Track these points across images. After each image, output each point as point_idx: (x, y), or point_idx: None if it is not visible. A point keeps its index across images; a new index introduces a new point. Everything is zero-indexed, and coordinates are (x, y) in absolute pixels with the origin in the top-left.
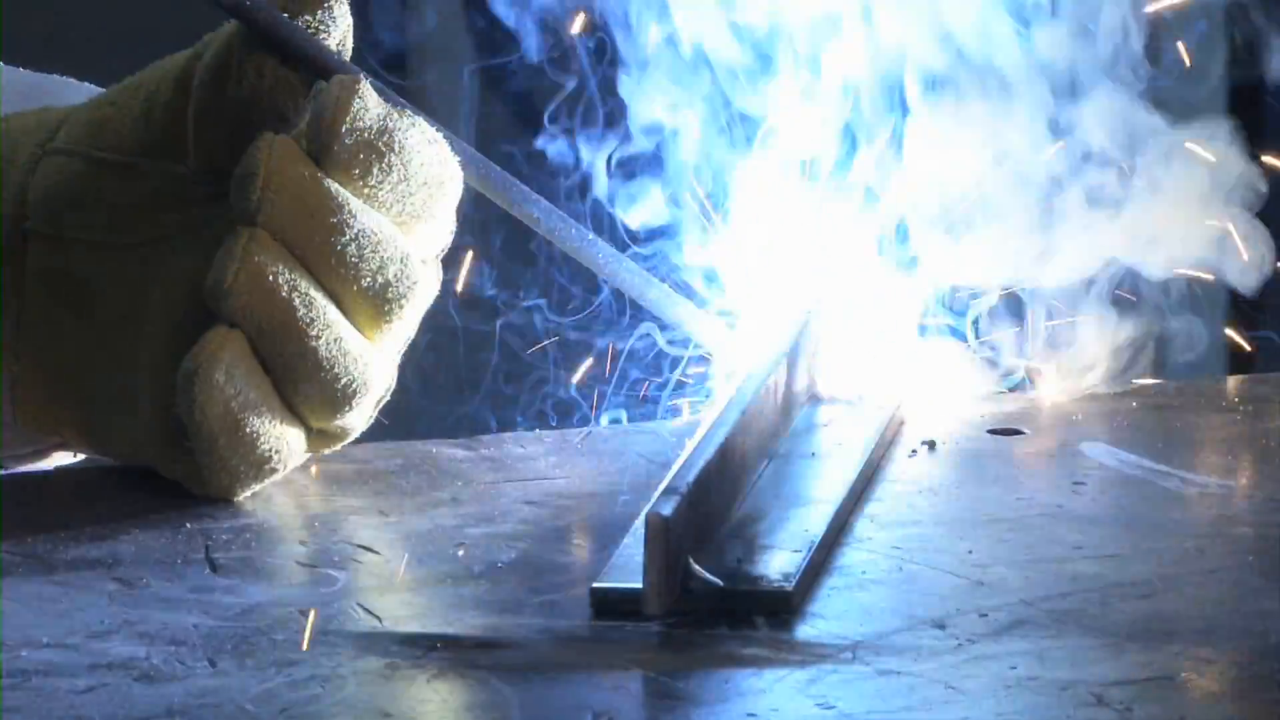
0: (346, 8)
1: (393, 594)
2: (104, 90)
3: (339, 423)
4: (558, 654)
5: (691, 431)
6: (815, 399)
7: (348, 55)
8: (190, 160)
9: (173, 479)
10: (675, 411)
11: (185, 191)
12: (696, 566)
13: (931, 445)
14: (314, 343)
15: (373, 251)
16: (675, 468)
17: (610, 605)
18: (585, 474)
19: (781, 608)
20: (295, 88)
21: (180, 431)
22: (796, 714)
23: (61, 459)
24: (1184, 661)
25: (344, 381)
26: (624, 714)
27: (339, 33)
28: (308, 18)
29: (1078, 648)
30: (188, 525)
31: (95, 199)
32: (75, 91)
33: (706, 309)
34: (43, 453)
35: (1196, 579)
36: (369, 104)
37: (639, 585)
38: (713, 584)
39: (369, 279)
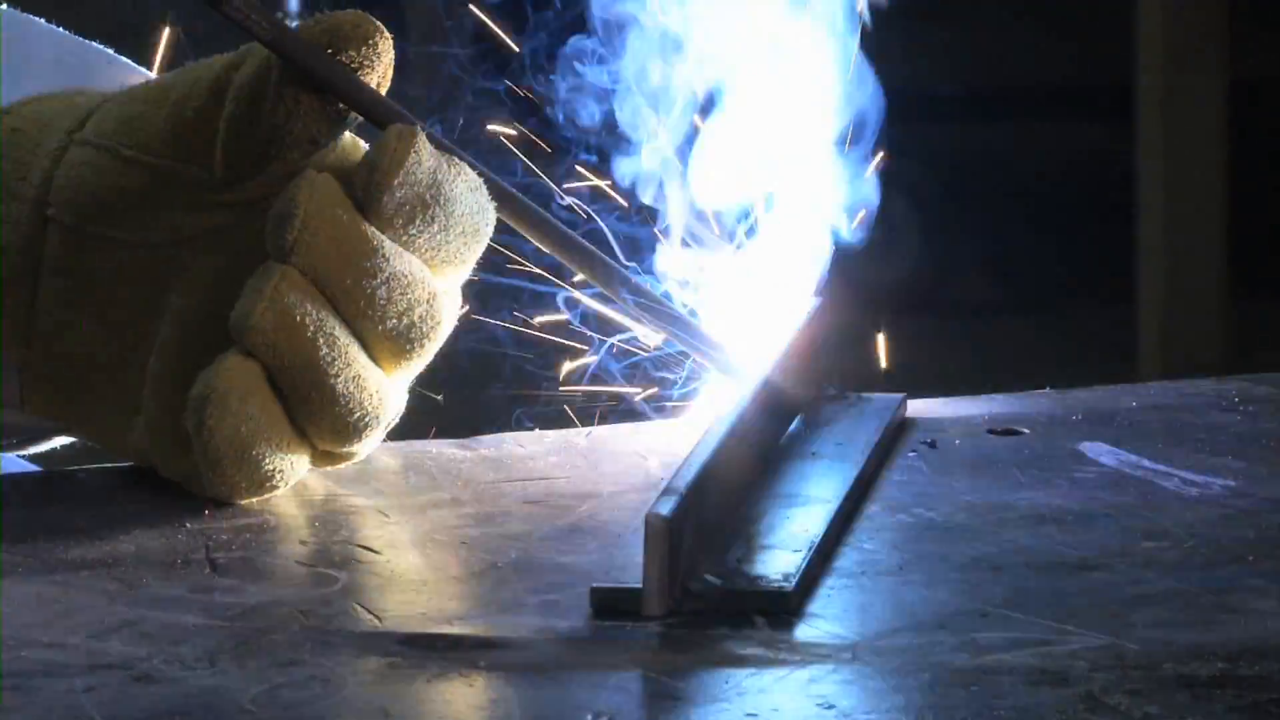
0: (390, 43)
1: (393, 594)
2: (137, 82)
3: (346, 449)
4: (558, 654)
5: (692, 431)
6: (816, 399)
7: (385, 88)
8: (217, 169)
9: (173, 479)
10: (677, 411)
11: (208, 197)
12: (700, 572)
13: (932, 445)
14: (333, 380)
15: (401, 294)
16: (675, 468)
17: (610, 605)
18: (585, 474)
19: (781, 608)
20: (329, 116)
21: (185, 439)
22: (796, 714)
23: (64, 441)
24: (1184, 661)
25: (357, 415)
26: (624, 714)
27: (381, 67)
28: (351, 53)
29: (1078, 647)
30: (188, 525)
31: (118, 196)
32: (111, 66)
33: (731, 348)
34: (46, 436)
35: (1196, 579)
36: (423, 157)
37: (639, 585)
38: (713, 584)
39: (394, 320)
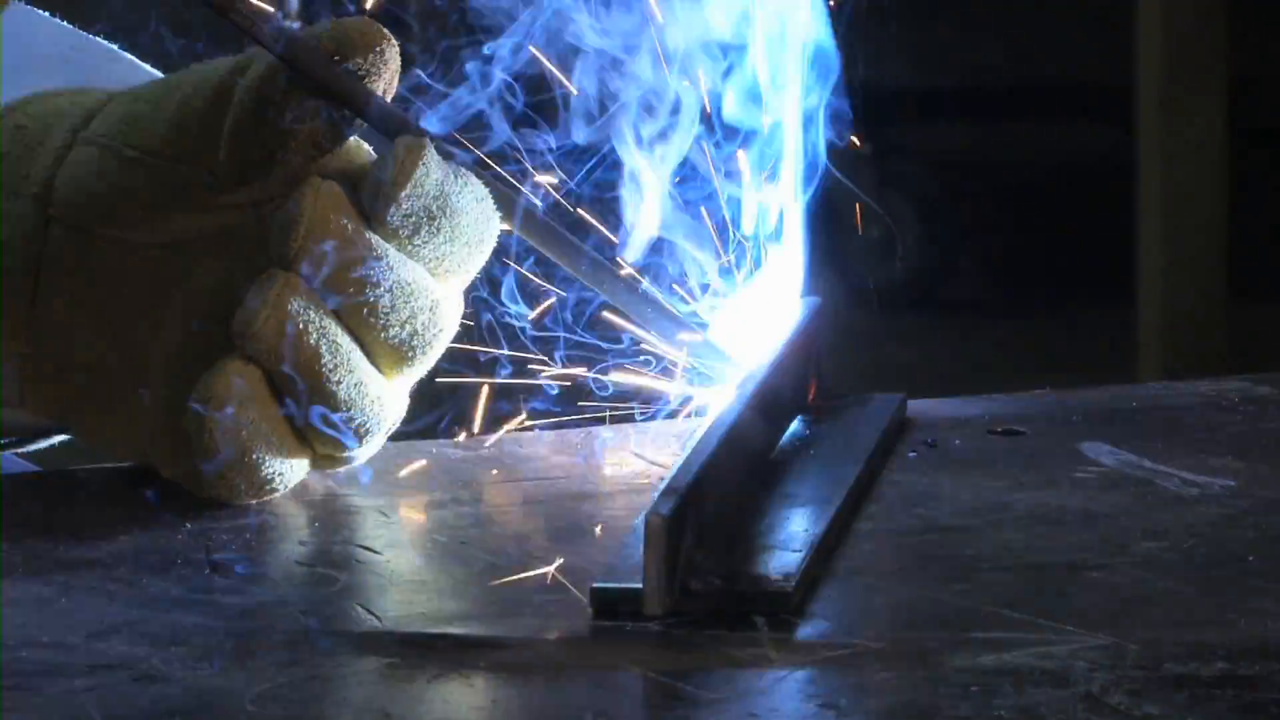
0: (397, 50)
1: (393, 594)
2: (143, 81)
3: (346, 454)
4: (558, 654)
5: (692, 431)
6: (816, 399)
7: (391, 95)
8: (220, 171)
9: (172, 480)
10: (675, 412)
11: (211, 199)
12: (697, 570)
13: (932, 445)
14: (334, 387)
15: (404, 302)
16: (675, 468)
17: (610, 605)
18: (585, 474)
19: (781, 608)
20: (334, 121)
21: (185, 440)
22: (796, 714)
23: (64, 440)
24: (1184, 661)
25: (358, 422)
26: (624, 714)
27: (388, 74)
28: (358, 60)
29: (1079, 647)
30: (188, 525)
31: (120, 196)
32: (116, 64)
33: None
34: (46, 436)
35: (1196, 579)
36: (432, 170)
37: (639, 585)
38: (713, 584)
39: (397, 328)
